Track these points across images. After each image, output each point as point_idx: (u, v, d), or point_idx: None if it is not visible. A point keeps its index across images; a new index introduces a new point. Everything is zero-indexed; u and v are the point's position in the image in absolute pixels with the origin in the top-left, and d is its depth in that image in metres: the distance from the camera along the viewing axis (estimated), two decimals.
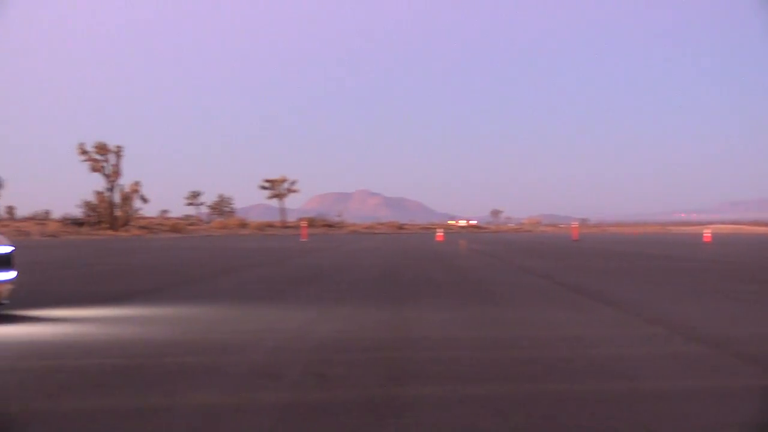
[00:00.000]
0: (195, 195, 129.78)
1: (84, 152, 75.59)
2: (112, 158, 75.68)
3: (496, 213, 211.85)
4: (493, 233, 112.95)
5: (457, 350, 7.45)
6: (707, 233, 56.59)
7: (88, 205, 76.98)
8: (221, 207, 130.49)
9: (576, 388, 5.76)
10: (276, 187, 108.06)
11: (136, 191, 76.23)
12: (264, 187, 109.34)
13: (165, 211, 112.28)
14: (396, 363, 6.73)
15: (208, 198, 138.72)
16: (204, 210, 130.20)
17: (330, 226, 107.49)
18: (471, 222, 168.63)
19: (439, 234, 64.55)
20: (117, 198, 75.67)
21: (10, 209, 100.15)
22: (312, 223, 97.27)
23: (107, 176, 75.75)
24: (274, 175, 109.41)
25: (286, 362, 6.73)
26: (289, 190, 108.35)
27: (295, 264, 22.73)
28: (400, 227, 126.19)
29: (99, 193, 75.77)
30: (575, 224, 70.62)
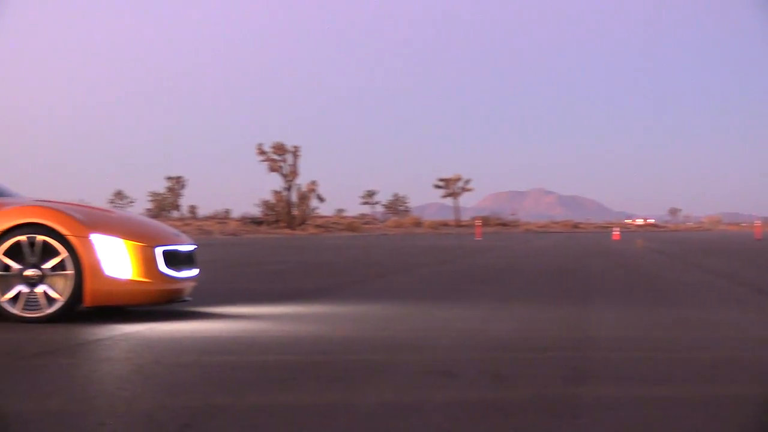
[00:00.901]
0: (370, 194, 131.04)
1: (262, 152, 77.20)
2: (289, 158, 77.08)
3: (674, 211, 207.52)
4: (671, 232, 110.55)
5: (634, 350, 7.32)
6: None
7: (266, 205, 78.60)
8: (396, 206, 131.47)
9: (761, 391, 5.59)
10: (450, 186, 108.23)
11: (312, 190, 77.44)
12: (438, 186, 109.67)
13: (341, 210, 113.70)
14: (572, 362, 6.66)
15: (383, 197, 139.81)
16: (379, 209, 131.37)
17: (504, 224, 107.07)
18: (648, 220, 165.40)
19: (616, 233, 63.51)
20: (294, 197, 77.02)
21: (193, 209, 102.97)
22: (486, 221, 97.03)
23: (285, 176, 77.17)
24: (448, 174, 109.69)
25: (461, 361, 6.73)
26: (464, 189, 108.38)
27: (469, 263, 22.74)
28: (575, 226, 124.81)
29: (277, 193, 77.26)
30: (758, 222, 68.49)
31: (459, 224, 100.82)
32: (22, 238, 8.62)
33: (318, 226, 77.12)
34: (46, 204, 9.00)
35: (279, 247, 36.02)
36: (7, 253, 8.62)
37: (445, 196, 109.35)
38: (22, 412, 4.85)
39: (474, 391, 5.56)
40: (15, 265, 8.62)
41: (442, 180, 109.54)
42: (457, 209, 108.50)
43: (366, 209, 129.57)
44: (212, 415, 4.81)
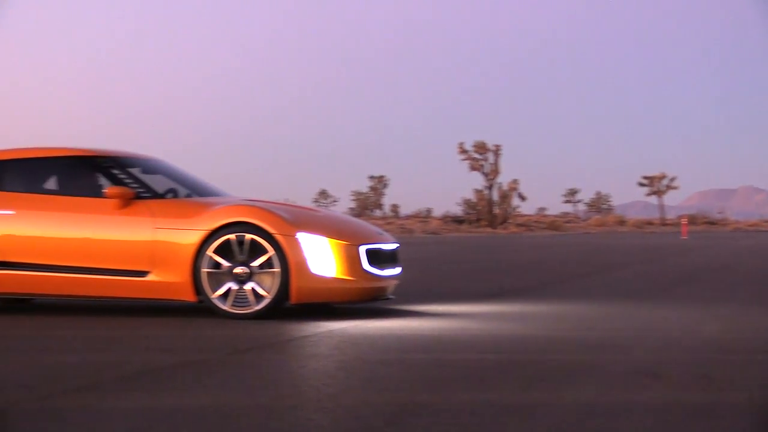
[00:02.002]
0: (572, 192, 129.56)
1: (464, 151, 77.33)
2: (490, 157, 76.97)
3: None
4: None
5: None
6: None
7: (467, 203, 78.72)
8: (598, 204, 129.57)
9: None
10: (654, 184, 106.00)
11: (514, 189, 77.10)
12: (642, 184, 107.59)
13: (542, 209, 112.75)
14: None
15: (586, 195, 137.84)
16: (581, 207, 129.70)
17: (711, 223, 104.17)
18: None
19: None
20: (495, 196, 76.88)
21: (395, 207, 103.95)
22: (692, 220, 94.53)
23: (486, 175, 77.10)
24: (652, 172, 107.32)
25: (667, 362, 6.58)
26: (668, 187, 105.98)
27: (674, 262, 22.22)
28: None
29: (478, 192, 77.27)
30: None
31: (664, 223, 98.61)
32: (231, 236, 8.88)
33: (519, 224, 76.73)
34: (254, 203, 9.25)
35: (480, 246, 36.02)
36: (217, 251, 8.89)
37: (649, 195, 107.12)
38: (233, 406, 5.00)
39: (680, 393, 5.43)
40: (225, 263, 8.89)
41: (646, 178, 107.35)
42: (661, 208, 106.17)
43: (568, 208, 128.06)
44: (415, 413, 4.85)
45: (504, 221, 75.79)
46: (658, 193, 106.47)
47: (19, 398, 5.17)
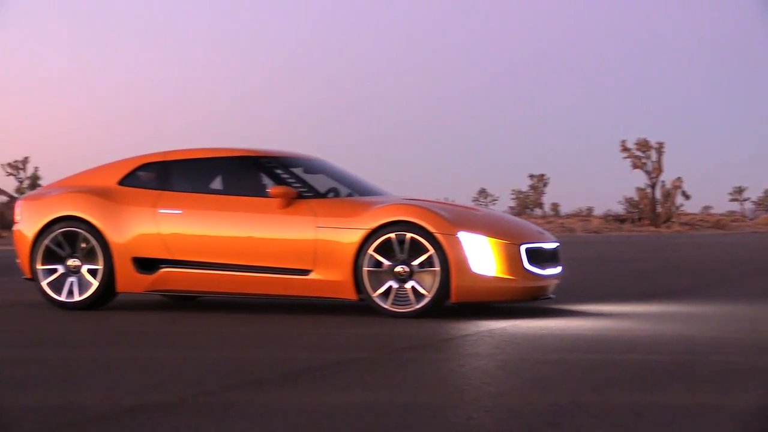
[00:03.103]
0: (739, 190, 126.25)
1: (626, 149, 76.13)
2: (653, 155, 75.61)
3: None
4: None
5: None
6: None
7: (629, 202, 77.50)
8: (767, 203, 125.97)
9: None
10: None
11: (677, 187, 75.55)
12: None
13: (707, 207, 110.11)
14: None
15: (753, 193, 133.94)
16: (748, 206, 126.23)
17: None
18: None
19: None
20: (658, 194, 75.50)
21: (555, 206, 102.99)
22: None
23: (648, 173, 75.77)
24: None
25: None
26: None
27: None
28: None
29: (640, 190, 76.00)
30: None
31: None
32: (392, 235, 8.94)
33: (683, 223, 75.17)
34: (414, 202, 9.29)
35: (643, 245, 35.40)
36: (378, 250, 8.95)
37: None
38: (394, 404, 5.02)
39: None
40: (385, 262, 8.95)
41: None
42: None
43: (734, 206, 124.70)
44: (578, 414, 4.79)
45: (667, 220, 74.30)
46: None
47: (187, 393, 5.31)
